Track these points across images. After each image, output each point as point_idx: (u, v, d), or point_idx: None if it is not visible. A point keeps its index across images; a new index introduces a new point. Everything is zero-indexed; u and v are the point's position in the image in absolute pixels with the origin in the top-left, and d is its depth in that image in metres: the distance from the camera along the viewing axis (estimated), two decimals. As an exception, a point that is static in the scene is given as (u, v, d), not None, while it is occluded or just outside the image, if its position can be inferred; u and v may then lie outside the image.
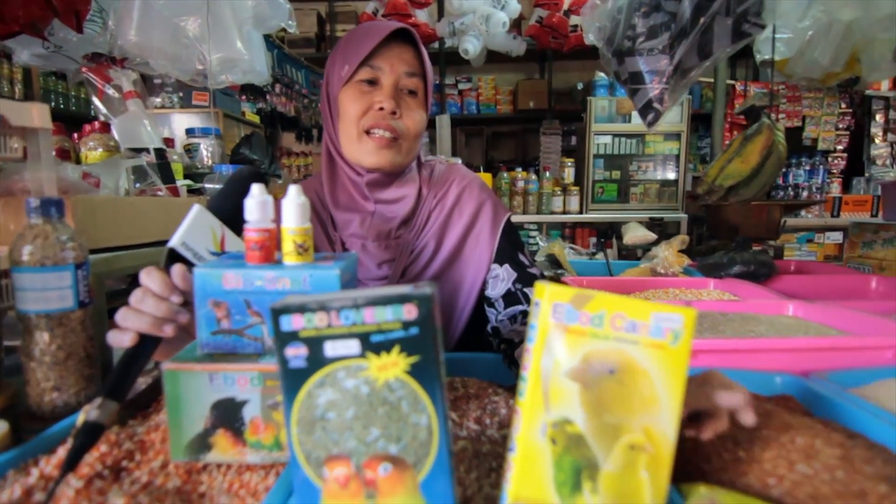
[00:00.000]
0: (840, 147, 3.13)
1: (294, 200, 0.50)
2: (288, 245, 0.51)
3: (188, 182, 1.36)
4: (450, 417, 0.39)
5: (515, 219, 3.13)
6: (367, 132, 0.78)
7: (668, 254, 1.44)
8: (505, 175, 3.09)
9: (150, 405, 0.66)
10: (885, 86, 2.91)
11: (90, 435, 0.49)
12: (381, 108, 0.77)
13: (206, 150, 1.68)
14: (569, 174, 3.19)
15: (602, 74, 3.14)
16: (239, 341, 0.51)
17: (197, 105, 2.25)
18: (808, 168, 3.04)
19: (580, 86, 4.08)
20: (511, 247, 0.87)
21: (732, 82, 2.88)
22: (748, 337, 0.82)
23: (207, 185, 1.40)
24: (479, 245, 0.86)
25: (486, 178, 3.06)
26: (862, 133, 3.11)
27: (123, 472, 0.52)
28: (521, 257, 0.88)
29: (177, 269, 0.55)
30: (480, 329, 0.87)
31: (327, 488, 0.38)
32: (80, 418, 0.51)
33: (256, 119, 2.81)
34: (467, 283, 0.86)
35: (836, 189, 3.12)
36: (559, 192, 3.11)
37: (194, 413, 0.50)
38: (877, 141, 3.03)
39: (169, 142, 1.52)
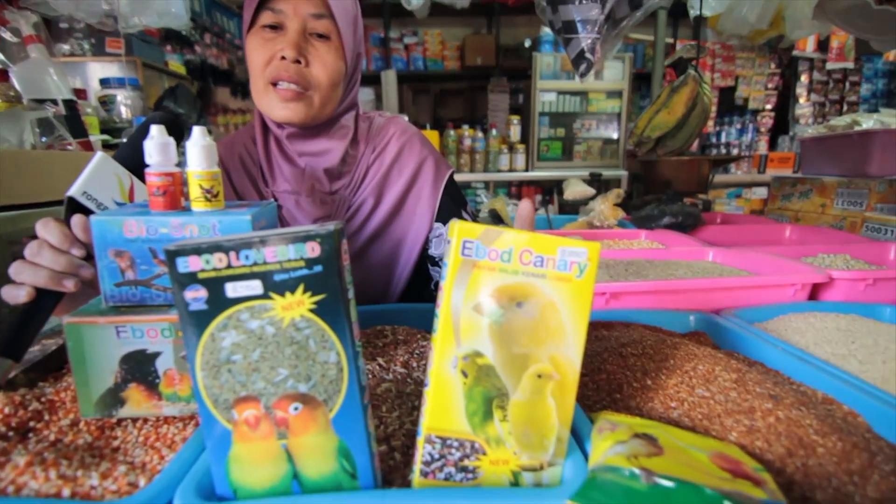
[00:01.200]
0: (769, 106, 3.29)
1: (198, 142, 0.47)
2: (195, 190, 0.48)
3: (104, 137, 1.25)
4: (361, 354, 0.38)
5: (462, 177, 3.13)
6: (274, 84, 0.72)
7: (604, 207, 1.48)
8: (452, 133, 3.06)
9: (62, 367, 0.62)
10: (810, 47, 3.05)
11: (-18, 394, 0.46)
12: (284, 58, 0.70)
13: (125, 103, 1.54)
14: (515, 132, 3.19)
15: (548, 30, 3.12)
16: (147, 292, 0.49)
17: (111, 53, 2.04)
18: (738, 126, 3.19)
19: (528, 42, 4.04)
20: (454, 204, 0.87)
21: (672, 41, 2.93)
22: (667, 279, 0.87)
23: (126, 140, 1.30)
24: (420, 202, 0.85)
25: (433, 136, 3.02)
26: (789, 93, 3.28)
27: (31, 434, 0.50)
28: (465, 215, 0.87)
29: (77, 219, 0.51)
30: (424, 287, 0.87)
31: (238, 430, 0.38)
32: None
33: (183, 70, 2.59)
34: (409, 241, 0.85)
35: (763, 147, 3.29)
36: (506, 151, 3.12)
37: (102, 368, 0.48)
38: (801, 101, 3.20)
39: (81, 93, 1.39)
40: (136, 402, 0.49)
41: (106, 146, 1.22)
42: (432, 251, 0.85)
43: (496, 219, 1.57)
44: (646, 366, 0.57)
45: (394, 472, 0.44)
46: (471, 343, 0.39)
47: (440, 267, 0.86)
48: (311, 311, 0.36)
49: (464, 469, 0.40)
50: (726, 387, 0.51)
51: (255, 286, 0.35)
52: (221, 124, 3.57)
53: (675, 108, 1.08)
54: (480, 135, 3.07)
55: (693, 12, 1.45)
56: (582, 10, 0.95)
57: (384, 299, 0.86)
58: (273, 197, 0.84)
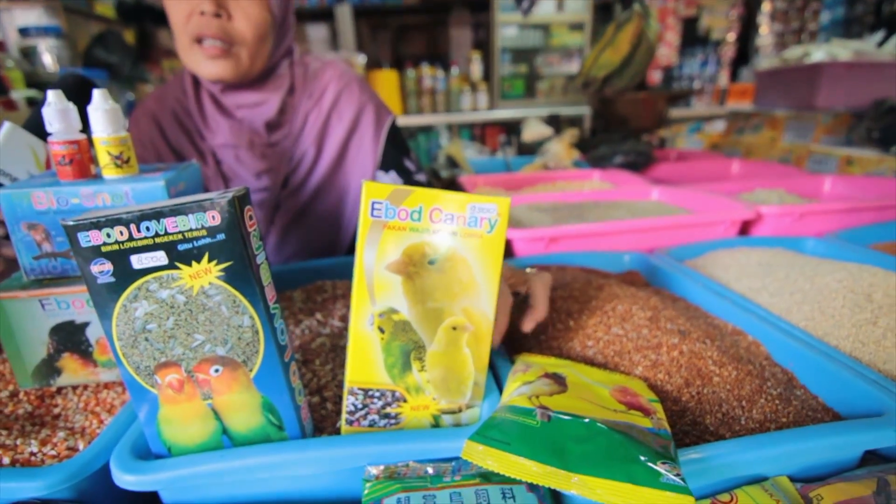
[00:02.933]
0: (731, 37, 3.25)
1: (100, 107, 0.46)
2: (103, 157, 0.47)
3: (30, 92, 1.17)
4: (278, 315, 0.40)
5: (423, 120, 3.06)
6: (198, 41, 0.68)
7: (559, 148, 1.49)
8: (411, 73, 2.95)
9: None
10: (774, -28, 2.98)
11: None
12: (203, 12, 0.66)
13: (50, 53, 1.43)
14: (476, 70, 3.10)
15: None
16: (68, 263, 0.48)
17: None
18: (701, 59, 3.16)
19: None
20: (396, 151, 0.85)
21: None
22: (605, 220, 0.89)
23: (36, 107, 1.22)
24: (362, 150, 0.84)
25: (392, 76, 2.92)
26: (752, 21, 3.23)
27: (-31, 406, 0.50)
28: (407, 163, 0.86)
29: None
30: None
31: (163, 394, 0.39)
32: None
33: (111, 14, 2.35)
34: (353, 191, 0.84)
35: (724, 79, 3.28)
36: (468, 90, 3.04)
37: (32, 340, 0.49)
38: (762, 30, 3.17)
39: (-2, 44, 1.28)
40: (73, 370, 0.50)
41: (32, 103, 1.14)
42: None
43: (452, 164, 1.56)
44: (570, 307, 0.60)
45: (325, 420, 0.47)
46: (385, 301, 0.41)
47: None
48: (219, 278, 0.37)
49: (386, 416, 0.43)
50: (640, 324, 0.54)
51: (160, 257, 0.36)
52: (167, 69, 3.36)
53: (620, 46, 1.06)
54: (441, 74, 2.98)
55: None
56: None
57: (333, 251, 0.87)
58: (212, 152, 0.82)
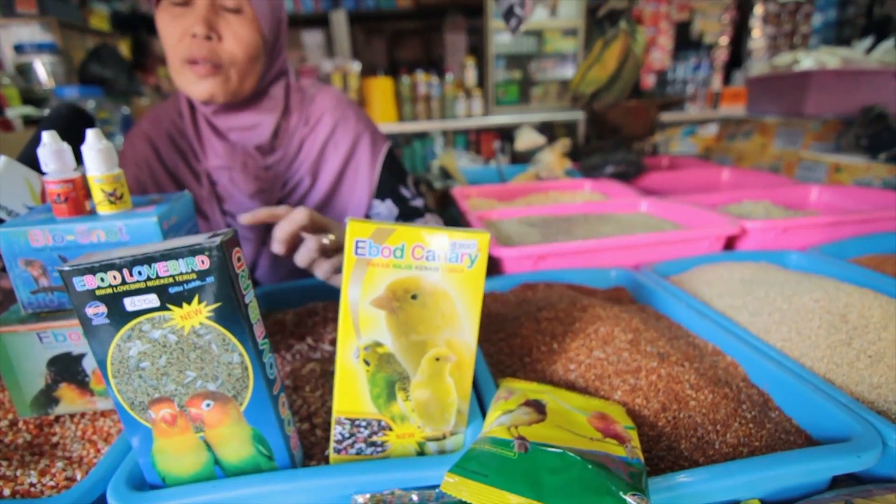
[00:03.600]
0: (724, 40, 3.27)
1: (94, 147, 0.47)
2: (98, 194, 0.48)
3: (26, 111, 1.18)
4: (267, 349, 0.41)
5: (419, 126, 3.07)
6: (189, 62, 0.70)
7: (551, 158, 1.50)
8: (406, 79, 2.96)
9: None
10: (766, -25, 3.00)
11: None
12: (195, 35, 0.68)
13: (45, 70, 1.44)
14: (471, 76, 3.11)
15: (501, -35, 2.98)
16: (64, 296, 0.50)
17: (23, 14, 1.85)
18: (694, 63, 3.18)
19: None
20: (392, 179, 0.86)
21: None
22: (593, 237, 0.91)
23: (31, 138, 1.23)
24: (358, 178, 0.84)
25: (387, 83, 2.93)
26: (744, 25, 3.26)
27: (-31, 435, 0.52)
28: (403, 190, 0.87)
29: None
30: None
31: (157, 427, 0.41)
32: None
33: (106, 27, 2.35)
34: (347, 217, 0.85)
35: (717, 82, 3.30)
36: (462, 96, 3.06)
37: (30, 372, 0.50)
38: (754, 34, 3.19)
39: (-7, 62, 1.29)
40: (70, 399, 0.52)
41: (29, 122, 1.15)
42: None
43: (446, 175, 1.57)
44: (555, 329, 0.61)
45: (315, 447, 0.48)
46: (370, 334, 0.43)
47: None
48: (209, 318, 0.38)
49: (373, 444, 0.45)
50: (621, 347, 0.56)
51: (152, 299, 0.37)
52: (163, 76, 3.37)
53: (608, 63, 1.08)
54: (436, 81, 2.99)
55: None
56: (510, -36, 0.93)
57: None
58: (206, 173, 0.83)
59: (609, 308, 0.64)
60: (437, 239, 0.42)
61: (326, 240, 0.59)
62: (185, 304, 0.38)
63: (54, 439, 0.51)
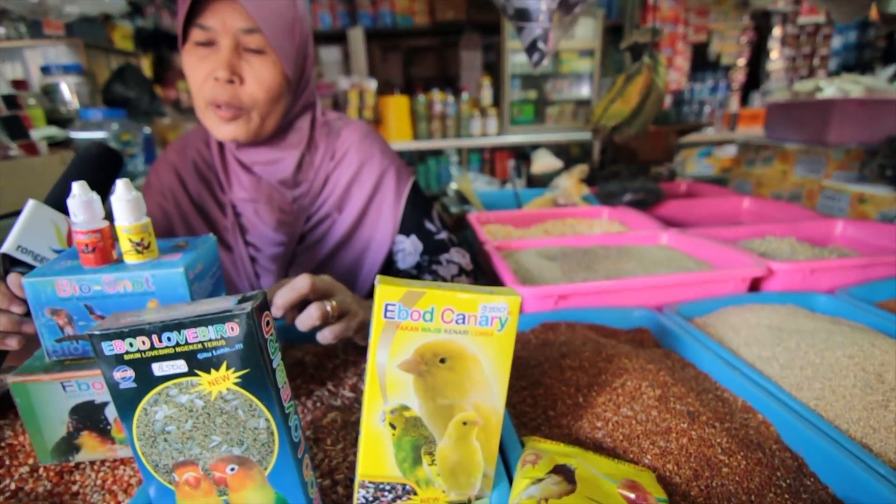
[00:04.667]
0: (742, 61, 3.26)
1: (123, 197, 0.47)
2: (125, 244, 0.48)
3: (51, 133, 1.20)
4: (293, 413, 0.41)
5: (434, 144, 3.08)
6: (212, 104, 0.70)
7: (569, 184, 1.49)
8: (422, 98, 2.98)
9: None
10: (784, -2, 3.00)
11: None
12: (217, 78, 0.68)
13: (70, 90, 1.46)
14: (487, 95, 3.12)
15: (518, -15, 3.00)
16: (88, 345, 0.50)
17: (51, 35, 1.89)
18: (711, 84, 3.16)
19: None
20: (417, 214, 0.85)
21: None
22: (617, 276, 0.90)
23: (73, 135, 1.25)
24: (382, 213, 0.84)
25: (403, 101, 2.95)
26: (762, 46, 3.24)
27: (-9, 480, 0.52)
28: (428, 224, 0.86)
29: (12, 278, 0.51)
30: None
31: (180, 490, 0.40)
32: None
33: (130, 46, 2.41)
34: (371, 252, 0.84)
35: (735, 104, 3.28)
36: (477, 115, 3.07)
37: (53, 419, 0.50)
38: (773, 55, 3.17)
39: (21, 84, 1.31)
40: (91, 447, 0.52)
41: (53, 145, 1.17)
42: (400, 265, 0.86)
43: (462, 199, 1.57)
44: (580, 380, 0.60)
45: (336, 506, 0.47)
46: (397, 398, 0.42)
47: (412, 275, 0.87)
48: (237, 384, 0.38)
49: (397, 508, 0.44)
50: (649, 405, 0.54)
51: (180, 365, 0.37)
52: (182, 90, 3.43)
53: (630, 98, 1.07)
54: (451, 99, 3.00)
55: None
56: (534, -2, 0.93)
57: None
58: (231, 204, 0.83)
59: (635, 358, 0.63)
60: (467, 302, 0.41)
61: (329, 306, 0.58)
62: (213, 370, 0.37)
63: (74, 488, 0.51)
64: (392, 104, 2.95)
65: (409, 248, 0.84)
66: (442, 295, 0.41)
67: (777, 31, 3.14)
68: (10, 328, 0.51)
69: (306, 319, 0.56)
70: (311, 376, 0.64)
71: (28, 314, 0.52)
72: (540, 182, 1.82)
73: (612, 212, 1.40)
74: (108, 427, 0.51)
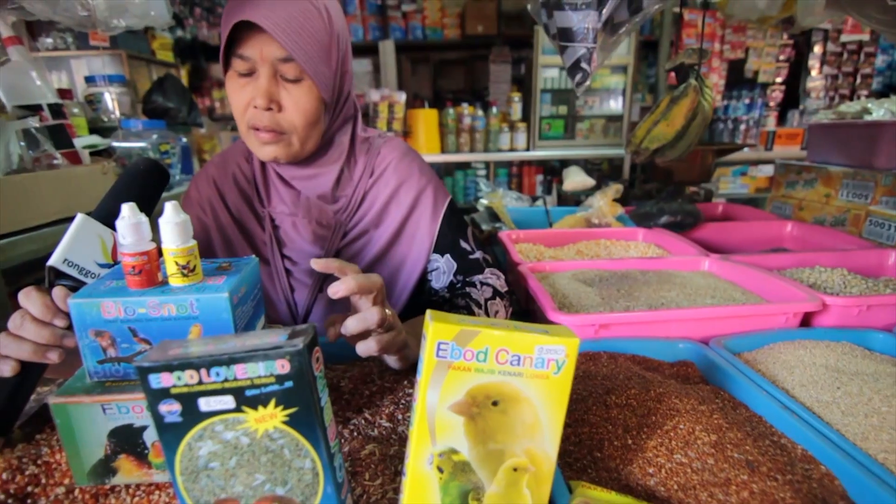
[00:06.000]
0: (779, 79, 3.18)
1: (172, 220, 0.46)
2: (171, 266, 0.48)
3: (93, 142, 1.23)
4: (338, 452, 0.39)
5: (462, 157, 3.08)
6: (253, 129, 0.72)
7: (603, 203, 1.46)
8: (451, 111, 2.98)
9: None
10: (826, 14, 2.90)
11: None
12: (256, 106, 0.69)
13: (113, 100, 1.51)
14: (516, 110, 3.11)
15: (551, 0, 2.98)
16: (129, 367, 0.49)
17: (96, 46, 1.96)
18: (747, 101, 3.09)
19: (531, 7, 3.87)
20: (452, 233, 0.85)
21: (680, 10, 2.81)
22: (659, 307, 0.86)
23: (115, 144, 1.27)
24: (418, 231, 0.83)
25: (432, 114, 2.95)
26: (801, 64, 3.16)
27: (29, 500, 0.51)
28: (463, 244, 0.85)
29: (57, 292, 0.51)
30: (420, 313, 0.86)
31: (220, 528, 0.39)
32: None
33: (170, 57, 2.48)
34: (406, 269, 0.84)
35: (771, 122, 3.20)
36: (506, 129, 3.05)
37: (91, 441, 0.49)
38: (813, 73, 3.08)
39: (66, 93, 1.35)
40: (128, 470, 0.51)
41: (94, 153, 1.19)
42: (434, 284, 0.85)
43: (493, 216, 1.55)
44: (628, 421, 0.57)
45: (375, 546, 0.45)
46: (446, 441, 0.40)
47: (445, 296, 0.86)
48: (284, 423, 0.36)
49: (441, 556, 0.42)
50: (704, 451, 0.51)
51: (228, 401, 0.36)
52: (217, 99, 3.51)
53: (675, 121, 1.04)
54: (480, 113, 3.00)
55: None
56: (579, 18, 0.91)
57: None
58: (270, 217, 0.83)
59: (686, 398, 0.60)
60: (523, 343, 0.39)
61: (389, 311, 0.57)
62: (260, 408, 0.36)
63: (109, 511, 0.50)
64: (421, 117, 2.96)
65: (444, 268, 0.83)
66: (497, 335, 0.39)
67: (818, 49, 3.06)
68: (51, 341, 0.51)
69: (359, 323, 0.55)
70: (346, 402, 0.62)
71: (70, 328, 0.52)
72: (571, 200, 1.79)
73: (647, 233, 1.37)
74: (146, 451, 0.50)
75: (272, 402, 0.36)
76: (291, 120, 0.71)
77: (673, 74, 1.18)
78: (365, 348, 0.57)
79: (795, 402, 0.62)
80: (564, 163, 3.31)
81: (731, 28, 3.04)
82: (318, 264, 0.56)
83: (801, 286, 0.89)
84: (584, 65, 0.92)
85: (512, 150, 3.06)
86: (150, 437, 0.50)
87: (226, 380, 0.35)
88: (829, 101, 3.11)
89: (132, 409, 0.49)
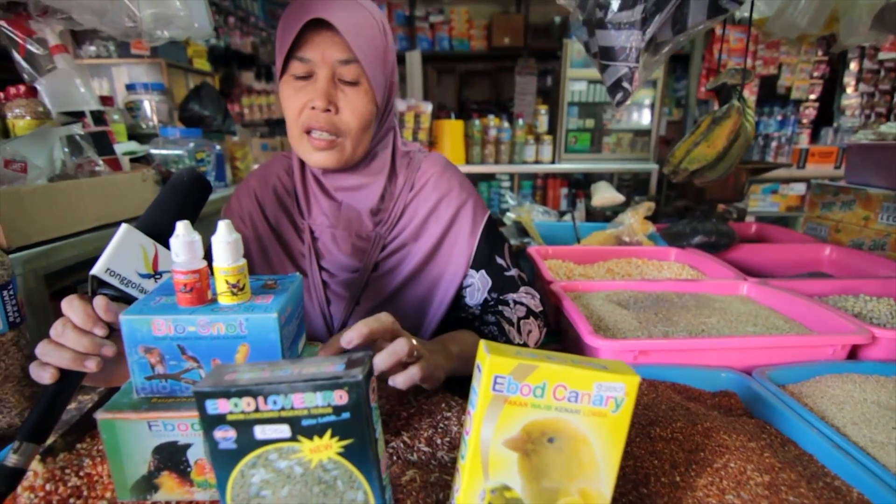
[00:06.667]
0: (813, 96, 3.11)
1: (224, 239, 0.47)
2: (221, 285, 0.48)
3: (131, 148, 1.25)
4: (388, 485, 0.38)
5: (486, 169, 3.07)
6: (307, 132, 0.72)
7: (634, 221, 1.44)
8: (477, 122, 2.98)
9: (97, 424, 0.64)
10: (862, 31, 2.83)
11: (8, 482, 0.49)
12: (314, 107, 0.70)
13: (152, 107, 1.54)
14: (542, 122, 3.10)
15: (580, 13, 2.97)
16: (176, 385, 0.49)
17: (137, 55, 2.01)
18: (779, 118, 3.03)
19: (558, 20, 3.89)
20: (489, 249, 0.84)
21: (724, 28, 2.76)
22: (700, 333, 0.84)
23: (153, 151, 1.30)
24: (457, 246, 0.83)
25: (458, 125, 2.96)
26: (835, 81, 3.09)
27: (70, 511, 0.51)
28: (499, 260, 0.85)
29: (99, 301, 0.52)
30: (455, 329, 0.85)
31: (267, 556, 0.38)
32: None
33: (206, 66, 2.54)
34: (443, 284, 0.83)
35: (804, 139, 3.13)
36: (532, 141, 3.04)
37: (136, 457, 0.49)
38: (848, 91, 3.01)
39: (108, 100, 1.39)
40: (169, 487, 0.51)
41: (134, 160, 1.22)
42: (468, 301, 0.84)
43: (521, 231, 1.54)
44: (675, 456, 0.55)
45: (418, 580, 0.44)
46: (499, 477, 0.39)
47: (475, 313, 0.85)
48: (339, 454, 0.36)
49: None
50: (758, 493, 0.49)
51: (284, 430, 0.35)
52: (245, 105, 3.56)
53: (716, 142, 1.02)
54: (506, 125, 2.99)
55: (738, 15, 1.36)
56: (622, 37, 0.90)
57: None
58: (310, 229, 0.84)
59: (735, 434, 0.58)
60: (581, 379, 0.38)
61: (415, 341, 0.57)
62: (316, 438, 0.35)
63: (149, 527, 0.50)
64: (447, 128, 2.97)
65: (478, 284, 0.82)
66: (555, 370, 0.38)
67: (854, 66, 2.99)
68: (91, 350, 0.51)
69: (389, 357, 0.54)
70: (384, 424, 0.61)
71: (108, 337, 0.53)
72: (600, 215, 1.76)
73: (680, 253, 1.34)
74: (189, 469, 0.50)
75: (328, 433, 0.35)
76: (347, 122, 0.72)
77: (713, 93, 1.15)
78: (406, 378, 0.57)
79: (849, 442, 0.60)
80: (588, 176, 3.29)
81: (765, 43, 2.99)
82: (352, 340, 0.56)
83: (846, 316, 0.86)
84: (625, 84, 0.91)
85: (537, 162, 3.04)
86: (194, 455, 0.50)
87: (283, 408, 0.35)
88: (864, 119, 3.03)
89: (177, 427, 0.49)
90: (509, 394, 0.38)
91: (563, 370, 0.38)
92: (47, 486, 0.52)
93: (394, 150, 0.84)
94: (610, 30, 0.91)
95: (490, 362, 0.37)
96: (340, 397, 0.34)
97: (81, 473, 0.54)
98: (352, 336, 0.55)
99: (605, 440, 0.39)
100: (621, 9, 0.88)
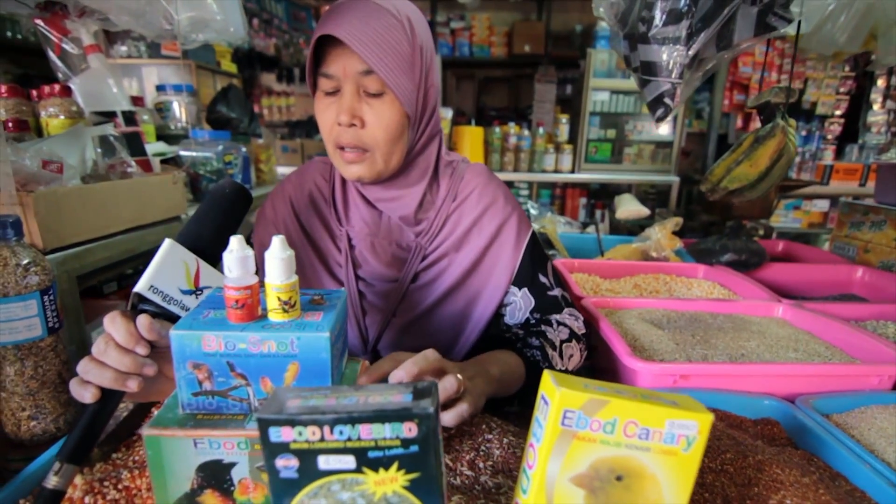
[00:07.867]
0: (838, 112, 3.06)
1: (278, 255, 0.46)
2: (273, 301, 0.47)
3: (161, 149, 1.25)
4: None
5: (505, 177, 3.06)
6: (338, 147, 0.72)
7: (661, 236, 1.42)
8: (497, 130, 2.97)
9: (133, 434, 0.63)
10: (890, 47, 2.79)
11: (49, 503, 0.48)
12: (340, 123, 0.70)
13: (181, 109, 1.55)
14: (563, 131, 3.08)
15: (604, 23, 2.96)
16: (223, 402, 0.48)
17: (167, 56, 2.03)
18: (804, 133, 2.99)
19: (579, 29, 3.87)
20: (532, 266, 0.82)
21: (767, 46, 2.74)
22: (740, 358, 0.82)
23: (182, 153, 1.30)
24: (499, 261, 0.81)
25: (478, 132, 2.95)
26: (861, 97, 3.04)
27: (109, 525, 0.51)
28: (542, 278, 0.83)
29: (142, 320, 0.51)
30: (493, 348, 0.83)
31: (321, 588, 0.37)
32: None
33: (233, 68, 2.57)
34: (483, 299, 0.81)
35: (829, 156, 3.08)
36: (552, 150, 3.02)
37: (179, 475, 0.48)
38: (875, 107, 2.97)
39: (138, 100, 1.39)
40: (211, 505, 0.50)
41: (163, 161, 1.22)
42: (508, 320, 0.82)
43: (546, 242, 1.52)
44: (727, 490, 0.54)
45: None
46: (564, 515, 0.37)
47: (514, 332, 0.83)
48: (405, 487, 0.34)
49: None
50: (821, 536, 0.47)
51: (349, 461, 0.34)
52: (265, 106, 3.58)
53: (759, 162, 1.00)
54: (526, 133, 2.98)
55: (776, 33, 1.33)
56: (666, 52, 0.88)
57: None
58: (347, 237, 0.82)
59: (787, 468, 0.56)
60: (653, 415, 0.37)
61: (461, 377, 0.57)
62: (381, 470, 0.34)
63: (190, 546, 0.49)
64: (466, 134, 2.96)
65: (520, 303, 0.80)
66: (627, 406, 0.36)
67: (881, 83, 2.95)
68: (133, 369, 0.51)
69: (440, 393, 0.53)
70: (424, 445, 0.60)
71: (151, 356, 0.52)
72: (624, 228, 1.74)
73: (708, 271, 1.32)
74: (232, 488, 0.49)
75: (394, 466, 0.34)
76: (374, 135, 0.71)
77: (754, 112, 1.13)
78: (455, 415, 0.56)
79: (907, 481, 0.58)
80: (606, 186, 3.26)
81: (790, 57, 2.95)
82: (395, 378, 0.55)
83: (889, 343, 0.84)
84: (666, 100, 0.90)
85: (556, 171, 3.03)
86: (238, 474, 0.49)
87: (349, 439, 0.34)
88: (890, 136, 2.98)
89: (223, 445, 0.48)
90: (578, 429, 0.37)
91: (635, 406, 0.36)
92: (87, 499, 0.51)
93: (437, 158, 0.82)
94: (653, 45, 0.89)
95: (560, 396, 0.36)
96: (410, 430, 0.33)
97: (120, 486, 0.54)
98: (400, 376, 0.54)
99: (674, 480, 0.37)
100: (666, 24, 0.87)
